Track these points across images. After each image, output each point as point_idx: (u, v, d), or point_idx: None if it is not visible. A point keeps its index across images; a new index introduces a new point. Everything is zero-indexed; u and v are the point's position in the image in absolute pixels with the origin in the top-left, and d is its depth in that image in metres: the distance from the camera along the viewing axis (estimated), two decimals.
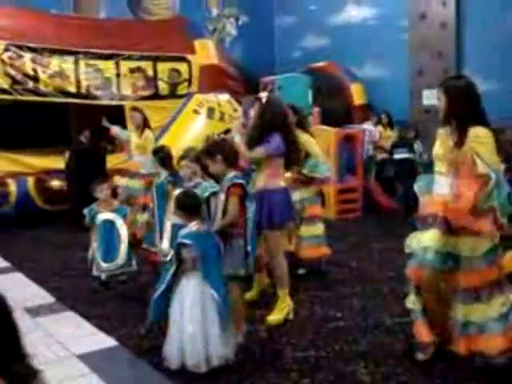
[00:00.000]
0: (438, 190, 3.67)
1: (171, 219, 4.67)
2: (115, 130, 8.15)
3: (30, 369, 1.63)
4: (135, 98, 10.26)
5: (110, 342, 4.40)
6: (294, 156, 4.83)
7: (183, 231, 3.83)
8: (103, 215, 5.54)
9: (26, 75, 9.37)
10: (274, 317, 4.70)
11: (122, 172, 8.06)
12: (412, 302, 3.87)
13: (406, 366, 3.79)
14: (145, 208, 7.32)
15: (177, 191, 4.49)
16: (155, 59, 10.64)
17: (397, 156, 9.42)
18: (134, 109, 7.97)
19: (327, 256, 6.12)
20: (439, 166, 3.68)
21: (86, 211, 5.60)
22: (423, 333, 3.79)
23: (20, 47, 9.40)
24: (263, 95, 4.86)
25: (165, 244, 4.69)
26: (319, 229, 6.01)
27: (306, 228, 5.94)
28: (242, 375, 3.75)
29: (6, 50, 9.25)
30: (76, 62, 9.82)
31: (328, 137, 9.44)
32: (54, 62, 9.62)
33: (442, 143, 3.69)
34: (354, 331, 4.44)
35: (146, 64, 10.54)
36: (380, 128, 10.57)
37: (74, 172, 8.93)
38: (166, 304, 3.82)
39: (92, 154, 8.60)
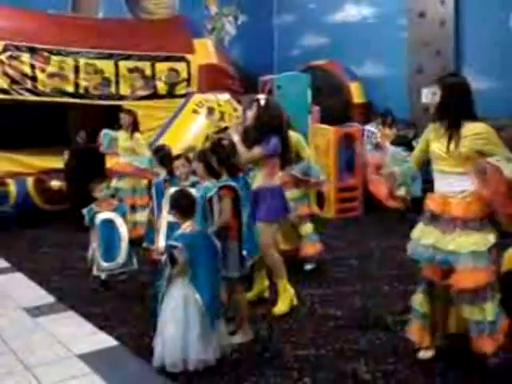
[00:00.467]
0: (438, 187, 3.68)
1: (167, 217, 4.68)
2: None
3: None
4: (134, 97, 10.25)
5: (110, 341, 4.40)
6: (287, 156, 4.98)
7: (176, 232, 3.84)
8: (102, 215, 5.54)
9: (25, 75, 9.36)
10: (279, 308, 4.82)
11: (110, 172, 8.00)
12: (418, 301, 3.84)
13: (407, 364, 3.79)
14: (133, 208, 7.37)
15: (171, 190, 4.52)
16: (153, 59, 10.62)
17: None
18: (127, 111, 7.96)
19: (321, 252, 6.23)
20: (441, 165, 3.64)
21: (85, 211, 5.60)
22: (415, 333, 3.84)
23: (19, 47, 9.39)
24: (262, 97, 4.92)
25: (160, 242, 4.70)
26: (309, 227, 6.15)
27: (305, 226, 6.10)
28: (243, 374, 3.75)
29: (5, 49, 9.24)
30: (75, 62, 9.81)
31: (327, 135, 9.46)
32: (53, 62, 9.62)
33: (435, 139, 3.68)
34: (355, 329, 4.44)
35: (144, 64, 10.52)
36: (380, 127, 10.57)
37: (73, 172, 8.93)
38: None
39: (91, 153, 8.59)
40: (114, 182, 7.54)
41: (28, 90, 9.38)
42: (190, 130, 9.89)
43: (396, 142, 9.60)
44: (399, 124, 10.17)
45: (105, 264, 5.48)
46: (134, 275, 5.76)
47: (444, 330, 3.87)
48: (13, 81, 9.25)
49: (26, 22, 9.86)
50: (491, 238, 3.51)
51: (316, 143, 9.43)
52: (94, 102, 9.96)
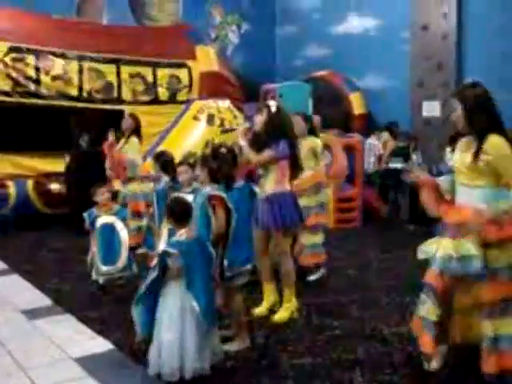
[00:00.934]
0: (460, 200, 3.61)
1: (168, 224, 4.67)
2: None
3: None
4: (135, 102, 10.28)
5: (106, 345, 4.40)
6: (297, 163, 4.98)
7: (172, 239, 3.83)
8: (103, 219, 5.55)
9: (28, 78, 9.39)
10: (280, 315, 4.86)
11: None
12: (428, 311, 3.69)
13: (403, 375, 3.79)
14: (139, 213, 7.28)
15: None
16: (155, 65, 10.68)
17: (391, 165, 9.61)
18: (130, 114, 7.82)
19: (323, 262, 6.23)
20: (462, 179, 3.57)
21: (85, 215, 5.61)
22: (428, 344, 3.70)
23: (23, 49, 9.42)
24: (272, 103, 4.95)
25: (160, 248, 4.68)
26: (321, 237, 6.17)
27: (309, 236, 6.06)
28: (239, 381, 3.75)
29: (9, 52, 9.27)
30: (79, 66, 9.85)
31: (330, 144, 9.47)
32: (57, 65, 9.65)
33: (461, 153, 3.60)
34: (351, 339, 4.45)
35: (145, 70, 10.58)
36: (384, 139, 10.63)
37: (74, 176, 8.95)
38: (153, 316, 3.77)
39: (93, 157, 8.60)
40: (119, 186, 7.36)
41: (32, 94, 9.41)
42: (190, 136, 9.93)
43: (394, 154, 9.68)
44: (400, 137, 10.24)
45: (104, 268, 5.48)
46: (132, 280, 5.76)
47: (450, 340, 3.83)
48: (16, 83, 9.27)
49: (30, 24, 9.90)
50: None
51: None
52: (97, 106, 9.99)
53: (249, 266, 4.31)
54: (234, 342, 4.28)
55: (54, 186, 9.38)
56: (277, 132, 4.78)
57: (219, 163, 4.21)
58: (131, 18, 12.72)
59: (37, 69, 9.48)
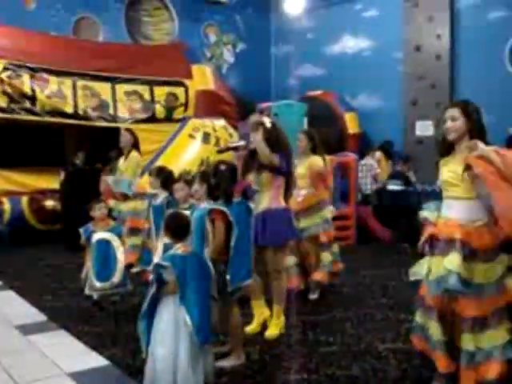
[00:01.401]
0: (450, 214, 3.60)
1: (164, 239, 4.67)
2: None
3: None
4: (132, 120, 10.32)
5: (101, 361, 4.38)
6: (291, 179, 5.03)
7: (168, 253, 3.82)
8: (99, 234, 5.54)
9: (24, 94, 9.43)
10: (271, 332, 4.90)
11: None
12: (434, 332, 3.61)
13: None
14: (133, 230, 7.22)
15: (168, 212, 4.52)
16: (152, 83, 10.75)
17: (389, 187, 9.73)
18: (127, 129, 7.79)
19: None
20: (452, 191, 3.58)
21: (81, 230, 5.60)
22: (443, 364, 3.58)
23: (19, 66, 9.48)
24: (266, 120, 4.94)
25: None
26: (328, 256, 6.32)
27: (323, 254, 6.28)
28: None
29: (5, 69, 9.33)
30: (74, 83, 9.90)
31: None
32: (53, 83, 9.70)
33: (452, 165, 3.61)
34: (346, 356, 4.45)
35: (142, 88, 10.65)
36: (378, 158, 10.73)
37: (68, 193, 8.95)
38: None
39: (87, 175, 8.62)
40: (114, 204, 7.34)
41: (27, 110, 9.44)
42: (185, 154, 9.96)
43: (392, 176, 9.81)
44: (395, 159, 10.34)
45: (98, 284, 5.45)
46: (126, 296, 5.75)
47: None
48: (11, 100, 9.31)
49: (27, 42, 9.98)
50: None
51: None
52: (93, 124, 10.03)
53: (249, 281, 4.33)
54: (230, 358, 4.26)
55: (49, 203, 9.39)
56: (275, 147, 4.78)
57: (218, 180, 4.26)
58: (127, 36, 12.83)
59: (32, 86, 9.52)
